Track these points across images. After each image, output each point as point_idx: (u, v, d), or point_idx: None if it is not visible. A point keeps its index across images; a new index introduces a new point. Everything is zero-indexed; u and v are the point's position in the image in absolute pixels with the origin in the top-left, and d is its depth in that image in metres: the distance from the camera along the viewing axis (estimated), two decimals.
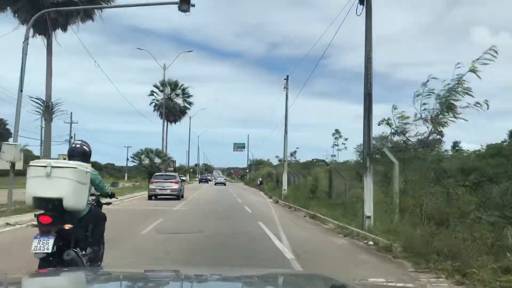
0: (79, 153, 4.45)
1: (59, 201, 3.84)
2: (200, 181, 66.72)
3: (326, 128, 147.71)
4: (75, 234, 4.02)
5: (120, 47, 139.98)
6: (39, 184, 3.85)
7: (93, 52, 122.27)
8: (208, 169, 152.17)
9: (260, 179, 35.15)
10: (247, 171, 71.12)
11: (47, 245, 3.80)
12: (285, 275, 3.03)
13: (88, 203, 4.27)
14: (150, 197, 22.33)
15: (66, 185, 3.84)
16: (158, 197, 21.99)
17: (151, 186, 22.66)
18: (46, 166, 3.84)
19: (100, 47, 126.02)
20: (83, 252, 4.14)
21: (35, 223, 4.06)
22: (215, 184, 58.46)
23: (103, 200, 4.87)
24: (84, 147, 4.55)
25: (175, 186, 22.41)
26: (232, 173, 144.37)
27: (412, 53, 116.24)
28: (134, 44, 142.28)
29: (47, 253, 3.80)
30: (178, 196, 22.32)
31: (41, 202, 3.90)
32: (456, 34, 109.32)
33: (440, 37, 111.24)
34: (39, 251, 3.81)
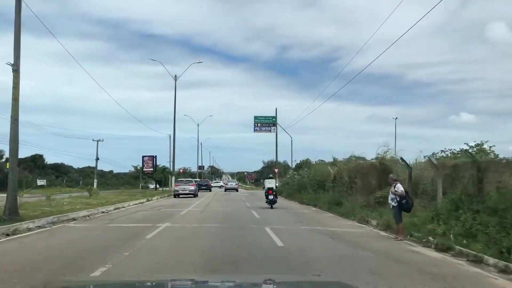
0: (272, 177, 29.35)
1: (273, 187, 23.78)
2: (200, 188, 48.53)
3: (336, 131, 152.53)
4: (276, 193, 23.80)
5: (130, 53, 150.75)
6: (268, 184, 24.34)
7: (101, 59, 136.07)
8: (215, 173, 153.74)
9: (401, 190, 11.01)
10: (276, 170, 50.83)
11: (271, 196, 23.30)
12: (304, 282, 3.61)
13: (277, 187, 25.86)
14: (175, 196, 35.81)
15: (273, 184, 24.37)
16: (181, 196, 35.20)
17: (176, 188, 37.05)
18: (270, 181, 24.93)
19: (110, 54, 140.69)
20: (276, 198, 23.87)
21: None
22: (226, 190, 56.08)
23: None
24: (271, 176, 30.95)
25: (192, 188, 36.55)
26: (245, 177, 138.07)
27: (425, 53, 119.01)
28: (144, 51, 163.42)
29: (271, 199, 23.21)
30: (194, 194, 36.17)
31: (268, 187, 23.92)
32: (469, 32, 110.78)
33: (453, 36, 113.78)
34: (269, 198, 23.25)
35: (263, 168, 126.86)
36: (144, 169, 65.27)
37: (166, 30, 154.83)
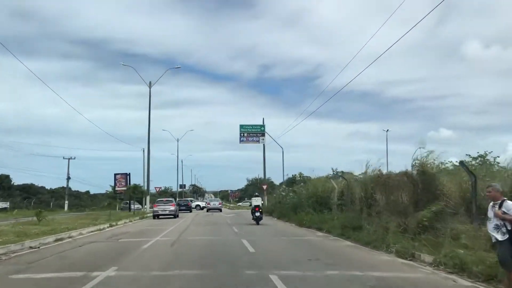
0: (258, 195, 27.65)
1: (260, 205, 25.40)
2: (179, 208, 43.20)
3: (319, 148, 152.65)
4: (261, 210, 25.21)
5: (112, 73, 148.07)
6: (254, 202, 25.82)
7: (82, 79, 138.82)
8: (198, 191, 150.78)
9: None
10: (264, 187, 45.46)
11: (258, 213, 24.71)
12: None
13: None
14: (154, 217, 34.34)
15: (259, 202, 26.19)
16: (160, 217, 33.86)
17: (155, 208, 35.24)
18: (256, 198, 26.27)
19: (91, 73, 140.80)
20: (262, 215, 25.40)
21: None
22: (208, 210, 50.54)
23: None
24: (257, 194, 28.23)
25: (172, 208, 35.07)
26: (228, 195, 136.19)
27: (404, 70, 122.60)
28: (126, 70, 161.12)
29: (258, 216, 24.59)
30: (174, 215, 34.88)
31: (255, 205, 25.26)
32: (446, 49, 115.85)
33: (431, 54, 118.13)
34: (256, 215, 24.62)
35: (247, 186, 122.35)
36: (116, 188, 59.37)
37: (148, 49, 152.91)
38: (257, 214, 24.65)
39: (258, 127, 46.80)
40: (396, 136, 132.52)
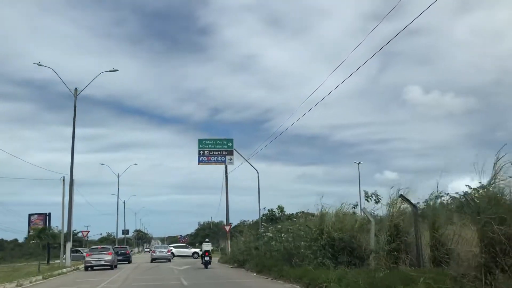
0: (208, 241, 29.42)
1: (209, 250, 27.80)
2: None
3: (266, 191, 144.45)
4: (210, 255, 27.62)
5: (56, 115, 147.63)
6: (205, 247, 27.89)
7: (25, 120, 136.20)
8: (143, 238, 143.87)
9: None
10: (227, 228, 34.68)
11: (207, 257, 26.98)
12: None
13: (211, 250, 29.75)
14: (86, 268, 29.28)
15: (209, 247, 28.27)
16: (95, 268, 28.90)
17: (87, 258, 30.09)
18: (206, 244, 28.43)
19: (35, 115, 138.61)
20: (210, 259, 27.95)
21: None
22: (153, 260, 40.55)
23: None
24: (207, 240, 30.28)
25: (109, 257, 29.77)
26: (177, 241, 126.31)
27: (349, 115, 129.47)
28: (70, 112, 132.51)
29: (207, 260, 26.80)
30: (111, 266, 29.89)
31: (205, 250, 27.66)
32: (389, 95, 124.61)
33: (374, 99, 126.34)
34: (205, 260, 26.94)
35: (197, 230, 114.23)
36: (30, 233, 46.11)
37: (94, 91, 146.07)
38: (206, 258, 26.98)
39: (224, 142, 35.10)
40: (343, 178, 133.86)
